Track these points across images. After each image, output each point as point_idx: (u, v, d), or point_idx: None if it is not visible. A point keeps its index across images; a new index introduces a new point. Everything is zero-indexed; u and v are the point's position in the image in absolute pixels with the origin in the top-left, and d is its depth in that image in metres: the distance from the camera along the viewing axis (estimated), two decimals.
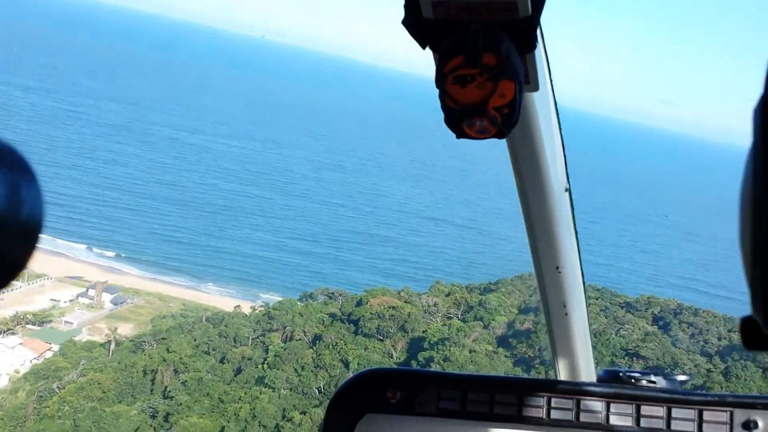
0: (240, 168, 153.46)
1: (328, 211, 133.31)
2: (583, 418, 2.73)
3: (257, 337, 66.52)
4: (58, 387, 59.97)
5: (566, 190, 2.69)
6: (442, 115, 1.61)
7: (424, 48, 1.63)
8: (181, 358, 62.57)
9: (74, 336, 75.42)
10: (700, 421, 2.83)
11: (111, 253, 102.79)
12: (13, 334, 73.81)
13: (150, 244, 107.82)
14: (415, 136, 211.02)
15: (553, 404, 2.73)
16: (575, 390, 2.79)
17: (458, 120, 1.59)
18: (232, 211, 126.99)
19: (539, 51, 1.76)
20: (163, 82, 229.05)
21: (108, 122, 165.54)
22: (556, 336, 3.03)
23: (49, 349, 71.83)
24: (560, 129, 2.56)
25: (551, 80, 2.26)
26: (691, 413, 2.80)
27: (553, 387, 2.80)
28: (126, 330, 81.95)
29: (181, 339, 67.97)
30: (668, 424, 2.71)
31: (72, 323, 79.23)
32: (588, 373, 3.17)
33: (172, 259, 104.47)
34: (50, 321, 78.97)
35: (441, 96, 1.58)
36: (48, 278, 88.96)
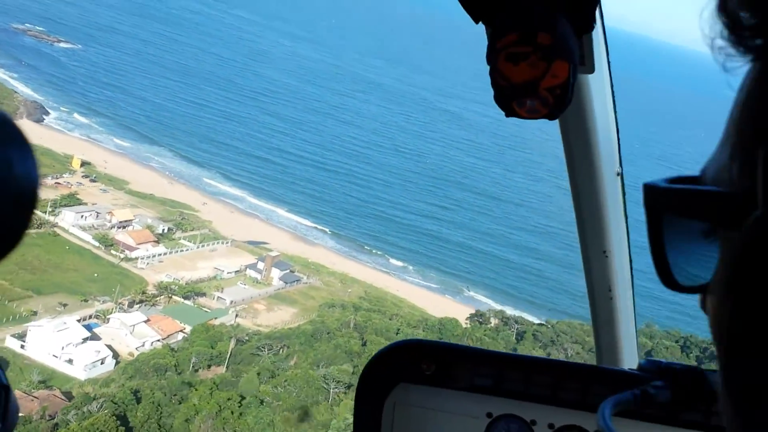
0: (489, 141, 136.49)
1: None
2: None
3: None
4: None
5: (618, 174, 2.64)
6: None
7: (477, 22, 1.58)
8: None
9: (217, 317, 64.16)
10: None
11: (308, 222, 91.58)
12: (151, 305, 64.17)
13: (357, 219, 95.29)
14: None
15: (589, 389, 2.61)
16: (613, 377, 2.64)
17: (509, 98, 1.54)
18: (467, 191, 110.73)
19: (597, 32, 1.74)
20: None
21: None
22: (600, 321, 3.04)
23: (181, 331, 61.15)
24: (615, 112, 2.50)
25: (609, 62, 2.23)
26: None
27: (590, 372, 2.69)
28: (282, 316, 69.75)
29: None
30: (707, 418, 2.53)
31: (225, 300, 68.27)
32: (630, 361, 3.11)
33: (376, 238, 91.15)
34: (202, 294, 68.56)
35: (492, 72, 1.54)
36: (224, 242, 79.14)
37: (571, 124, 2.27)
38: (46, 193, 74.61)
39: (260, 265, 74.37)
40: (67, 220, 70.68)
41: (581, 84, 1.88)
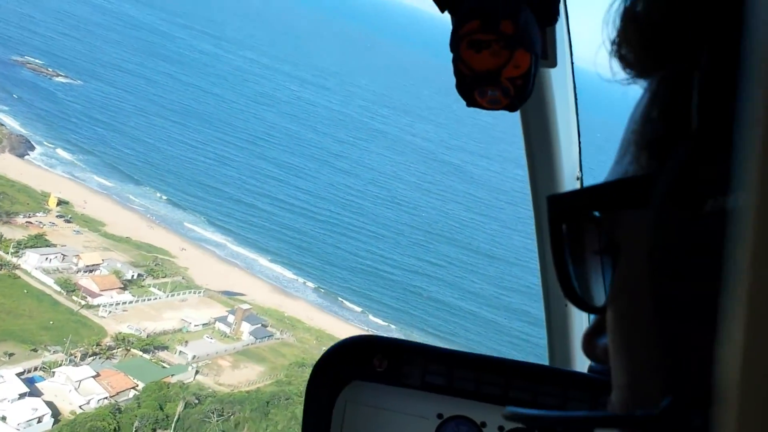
0: (489, 196, 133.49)
1: None
2: (570, 406, 2.61)
3: None
4: None
5: (577, 179, 2.64)
6: None
7: (443, 11, 1.57)
8: None
9: (174, 374, 60.73)
10: None
11: (290, 274, 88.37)
12: (106, 358, 60.85)
13: (342, 273, 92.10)
14: None
15: (540, 390, 2.62)
16: (565, 377, 2.67)
17: (470, 87, 1.55)
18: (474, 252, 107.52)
19: (561, 28, 1.73)
20: None
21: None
22: (554, 326, 3.06)
23: (133, 387, 57.70)
24: (577, 113, 2.50)
25: (572, 61, 2.23)
26: None
27: (542, 372, 2.68)
28: (247, 375, 66.25)
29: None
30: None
31: (187, 354, 64.89)
32: (582, 366, 3.12)
33: (360, 294, 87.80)
34: (164, 348, 65.22)
35: (454, 60, 1.54)
36: (197, 291, 75.98)
37: (532, 121, 2.22)
38: (12, 233, 71.95)
39: (230, 318, 71.07)
40: (30, 262, 67.77)
41: (543, 79, 1.84)
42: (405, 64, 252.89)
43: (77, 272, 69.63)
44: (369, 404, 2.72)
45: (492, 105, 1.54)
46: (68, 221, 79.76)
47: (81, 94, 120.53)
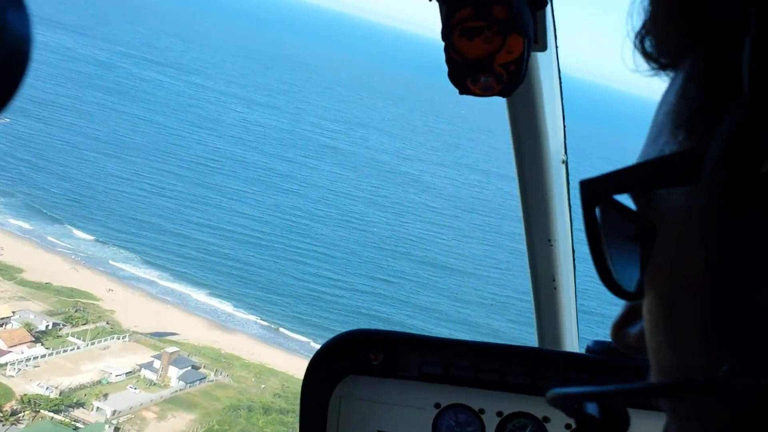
0: (446, 204, 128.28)
1: None
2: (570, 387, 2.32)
3: None
4: None
5: (563, 162, 2.65)
6: None
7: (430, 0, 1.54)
8: None
9: None
10: None
11: (229, 307, 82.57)
12: (10, 424, 54.68)
13: (287, 301, 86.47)
14: None
15: (539, 373, 2.65)
16: (563, 359, 2.69)
17: (463, 75, 1.52)
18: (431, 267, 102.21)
19: (546, 9, 1.73)
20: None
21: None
22: (543, 309, 3.07)
23: None
24: (562, 97, 2.52)
25: (556, 44, 2.22)
26: None
27: (540, 356, 2.72)
28: (175, 426, 60.34)
29: None
30: None
31: (105, 410, 58.86)
32: (571, 346, 3.18)
33: (305, 322, 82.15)
34: (80, 405, 59.12)
35: (446, 49, 1.51)
36: (121, 336, 69.96)
37: (520, 105, 2.23)
38: None
39: (156, 364, 65.15)
40: None
41: (530, 64, 1.83)
42: (358, 76, 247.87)
43: None
44: (365, 398, 2.70)
45: (485, 92, 1.51)
46: None
47: (5, 132, 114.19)
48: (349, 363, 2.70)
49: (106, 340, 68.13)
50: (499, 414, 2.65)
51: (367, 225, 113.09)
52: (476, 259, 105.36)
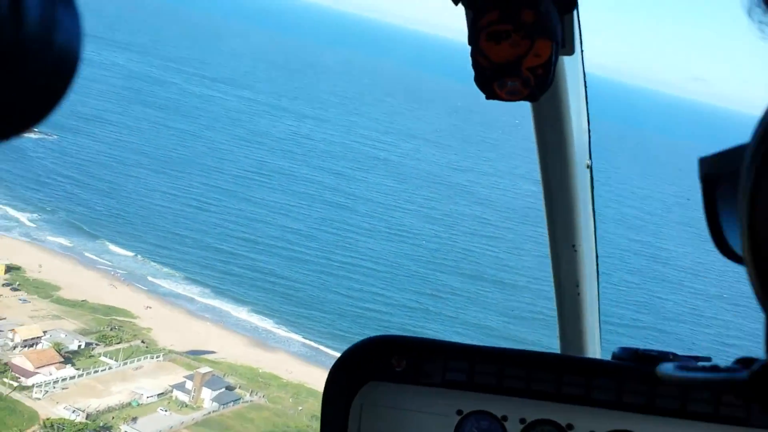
0: (497, 216, 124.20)
1: None
2: (596, 395, 2.60)
3: None
4: None
5: (588, 167, 2.62)
6: None
7: (456, 4, 1.50)
8: None
9: None
10: (717, 403, 2.62)
11: (270, 324, 79.97)
12: None
13: (329, 317, 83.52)
14: None
15: (564, 380, 2.61)
16: (588, 366, 2.67)
17: (489, 79, 1.50)
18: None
19: (574, 13, 1.72)
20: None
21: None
22: (566, 314, 3.05)
23: None
24: (587, 102, 2.50)
25: (582, 48, 2.18)
26: (708, 396, 2.64)
27: (565, 362, 2.69)
28: None
29: None
30: (683, 405, 2.56)
31: None
32: (593, 353, 3.16)
33: (345, 340, 78.94)
34: (107, 429, 56.87)
35: (473, 53, 1.48)
36: (156, 355, 67.78)
37: (545, 109, 2.20)
38: None
39: (189, 385, 62.70)
40: None
41: (557, 68, 1.81)
42: (410, 87, 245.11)
43: (13, 349, 61.73)
44: (386, 404, 2.65)
45: (511, 96, 1.48)
46: (15, 289, 72.31)
47: (52, 149, 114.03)
48: (371, 369, 2.62)
49: (139, 360, 65.97)
50: (522, 421, 2.58)
51: (415, 238, 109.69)
52: (529, 272, 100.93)
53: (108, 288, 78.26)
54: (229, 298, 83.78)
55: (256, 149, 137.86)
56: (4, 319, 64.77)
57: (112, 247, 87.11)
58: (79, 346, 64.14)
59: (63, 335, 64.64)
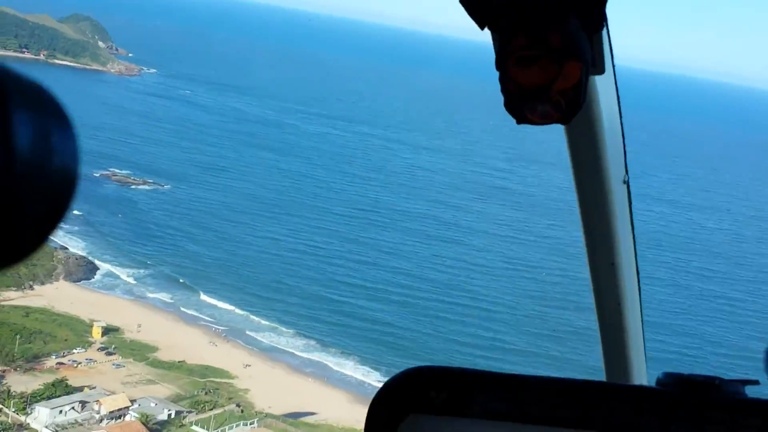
0: None
1: None
2: (643, 423, 2.52)
3: None
4: None
5: (624, 182, 2.62)
6: None
7: (482, 28, 1.52)
8: None
9: None
10: None
11: (375, 379, 74.60)
12: None
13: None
14: None
15: (610, 409, 2.51)
16: (634, 394, 2.57)
17: (520, 104, 1.50)
18: None
19: (603, 32, 1.72)
20: None
21: None
22: (609, 336, 3.01)
23: None
24: (621, 117, 2.51)
25: (614, 65, 2.18)
26: (759, 421, 2.52)
27: (609, 390, 2.60)
28: None
29: None
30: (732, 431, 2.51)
31: None
32: (640, 375, 3.13)
33: None
34: None
35: (502, 79, 1.50)
36: (250, 422, 63.63)
37: (579, 129, 2.19)
38: (33, 381, 62.65)
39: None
40: (40, 419, 57.74)
41: (589, 86, 1.81)
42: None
43: (99, 422, 58.95)
44: None
45: (543, 120, 1.49)
46: (110, 353, 70.21)
47: (164, 200, 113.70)
48: (411, 402, 2.52)
49: (231, 429, 61.89)
50: None
51: (536, 272, 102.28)
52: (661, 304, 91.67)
53: (207, 346, 75.28)
54: (334, 350, 79.28)
55: (368, 186, 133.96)
56: (94, 388, 62.27)
57: (214, 301, 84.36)
58: (169, 416, 60.81)
59: (153, 404, 61.49)
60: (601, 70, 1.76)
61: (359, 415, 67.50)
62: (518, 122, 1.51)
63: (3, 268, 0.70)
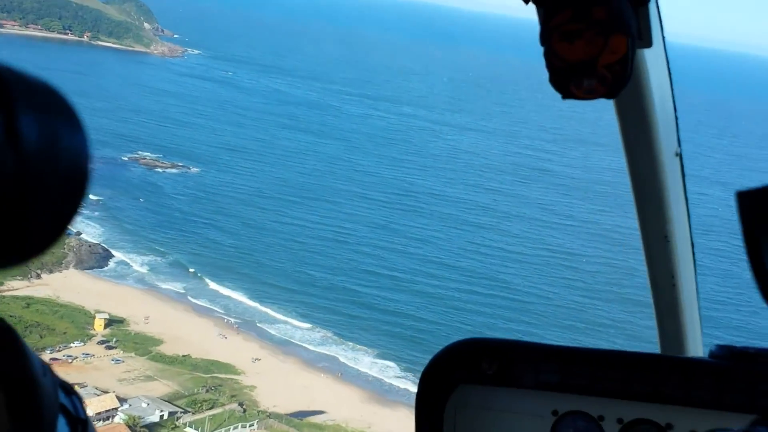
0: None
1: None
2: (694, 394, 2.60)
3: None
4: None
5: (677, 155, 2.60)
6: None
7: (527, 2, 1.52)
8: None
9: None
10: None
11: (392, 373, 69.92)
12: None
13: None
14: None
15: (661, 380, 2.59)
16: (685, 366, 2.64)
17: (565, 79, 1.49)
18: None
19: (652, 3, 1.71)
20: None
21: None
22: (663, 309, 2.99)
23: None
24: (672, 89, 2.50)
25: (663, 36, 2.17)
26: None
27: (661, 362, 2.66)
28: None
29: None
30: None
31: None
32: (695, 349, 3.09)
33: None
34: None
35: (546, 54, 1.49)
36: (249, 424, 59.45)
37: (628, 103, 2.18)
38: None
39: None
40: None
41: (637, 59, 1.81)
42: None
43: None
44: (480, 407, 2.66)
45: (589, 95, 1.46)
46: (111, 347, 66.76)
47: (190, 185, 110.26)
48: (462, 373, 2.63)
49: (231, 430, 57.80)
50: (620, 421, 2.56)
51: (576, 260, 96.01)
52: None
53: (217, 339, 71.38)
54: (351, 344, 74.72)
55: (406, 169, 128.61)
56: (85, 387, 58.59)
57: (229, 292, 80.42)
58: (162, 417, 56.89)
59: (145, 404, 57.68)
60: (648, 44, 1.73)
61: (371, 415, 63.04)
62: (564, 97, 1.49)
63: (13, 267, 0.68)
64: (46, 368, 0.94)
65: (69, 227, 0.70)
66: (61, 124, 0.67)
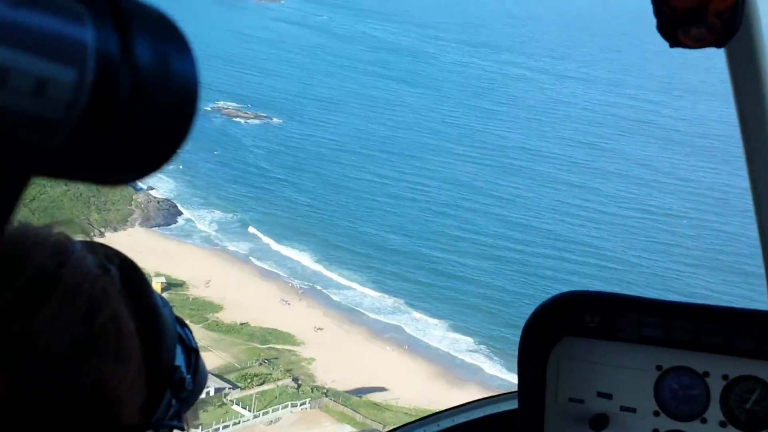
0: None
1: None
2: None
3: None
4: None
5: None
6: None
7: None
8: None
9: None
10: None
11: (466, 347, 64.90)
12: None
13: None
14: None
15: (762, 337, 2.57)
16: None
17: (673, 27, 1.46)
18: None
19: None
20: None
21: None
22: None
23: None
24: None
25: None
26: None
27: (765, 318, 2.63)
28: None
29: None
30: None
31: None
32: None
33: None
34: None
35: (654, 1, 1.46)
36: (303, 402, 55.70)
37: (739, 52, 2.06)
38: None
39: None
40: None
41: (748, 6, 1.76)
42: None
43: None
44: (583, 359, 2.69)
45: (697, 43, 1.43)
46: None
47: (270, 138, 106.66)
48: (565, 325, 2.63)
49: (281, 408, 54.14)
50: (725, 377, 2.55)
51: (677, 224, 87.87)
52: None
53: (278, 305, 67.69)
54: (424, 314, 69.92)
55: (498, 121, 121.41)
56: None
57: (298, 255, 76.51)
58: (207, 393, 53.39)
59: None
60: None
61: (437, 393, 58.33)
62: (671, 45, 1.45)
63: (126, 183, 0.72)
64: (165, 301, 1.10)
65: (180, 148, 0.72)
66: (172, 49, 0.69)
